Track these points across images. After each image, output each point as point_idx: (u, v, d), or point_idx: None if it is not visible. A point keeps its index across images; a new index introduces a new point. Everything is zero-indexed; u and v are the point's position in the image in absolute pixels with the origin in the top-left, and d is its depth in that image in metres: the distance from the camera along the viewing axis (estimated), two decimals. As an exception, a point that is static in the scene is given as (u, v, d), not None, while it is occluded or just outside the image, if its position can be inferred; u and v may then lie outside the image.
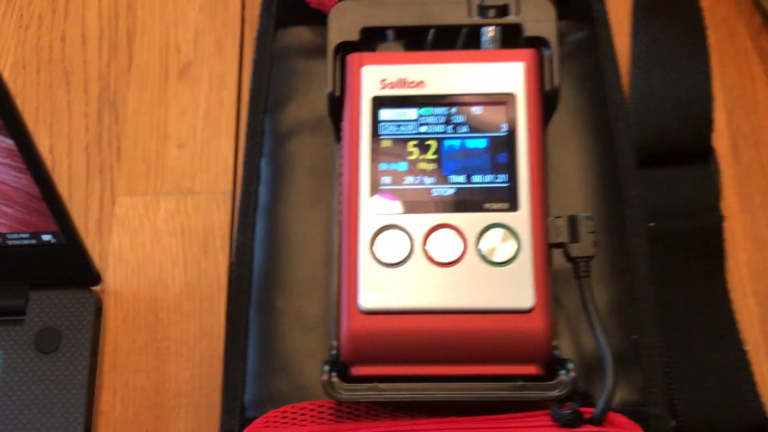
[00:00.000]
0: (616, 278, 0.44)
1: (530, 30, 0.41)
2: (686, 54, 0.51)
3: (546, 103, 0.40)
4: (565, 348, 0.42)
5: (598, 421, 0.35)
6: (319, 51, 0.51)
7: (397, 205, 0.38)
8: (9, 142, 0.39)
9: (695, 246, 0.47)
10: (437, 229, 0.37)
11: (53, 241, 0.44)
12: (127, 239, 0.50)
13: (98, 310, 0.47)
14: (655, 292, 0.43)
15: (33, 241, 0.44)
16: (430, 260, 0.37)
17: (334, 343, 0.39)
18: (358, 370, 0.37)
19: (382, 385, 0.36)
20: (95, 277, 0.47)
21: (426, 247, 0.37)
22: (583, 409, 0.36)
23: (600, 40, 0.50)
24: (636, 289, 0.43)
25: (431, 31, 0.45)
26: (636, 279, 0.44)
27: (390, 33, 0.43)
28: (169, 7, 0.57)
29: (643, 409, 0.41)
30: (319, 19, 0.51)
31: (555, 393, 0.36)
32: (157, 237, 0.50)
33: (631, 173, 0.46)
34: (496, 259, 0.36)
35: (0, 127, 0.38)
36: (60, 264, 0.46)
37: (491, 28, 0.42)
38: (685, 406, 0.43)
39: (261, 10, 0.52)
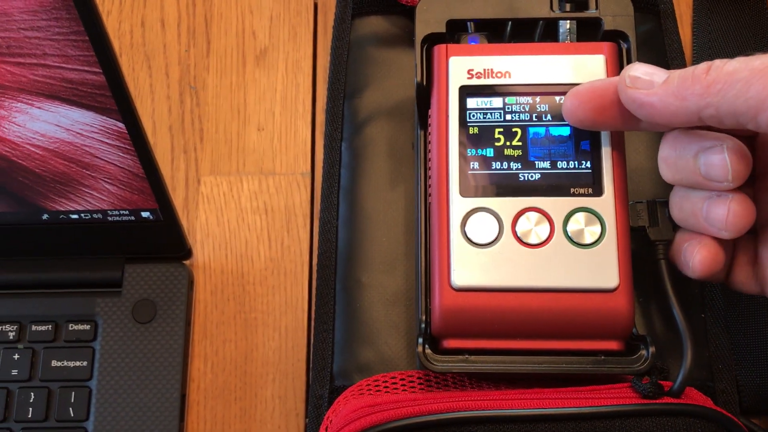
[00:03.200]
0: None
1: (609, 24, 0.43)
2: (749, 44, 0.52)
3: (624, 93, 0.42)
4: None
5: (677, 393, 0.37)
6: (395, 40, 0.53)
7: (486, 189, 0.40)
8: (120, 125, 0.42)
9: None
10: (525, 212, 0.40)
11: (151, 217, 0.47)
12: (213, 216, 0.53)
13: (190, 282, 0.50)
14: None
15: (132, 218, 0.47)
16: (518, 241, 0.39)
17: (422, 317, 0.41)
18: (449, 343, 0.40)
19: (473, 358, 0.39)
20: (187, 252, 0.50)
21: (515, 229, 0.39)
22: (661, 383, 0.38)
23: (666, 31, 0.52)
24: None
25: (509, 23, 0.47)
26: (703, 260, 0.46)
27: (470, 25, 0.46)
28: (244, -7, 0.60)
29: (710, 384, 0.44)
30: (394, 8, 0.54)
31: (636, 367, 0.38)
32: (242, 214, 0.53)
33: (697, 160, 0.48)
34: (583, 241, 0.39)
35: (113, 111, 0.41)
36: (155, 239, 0.49)
37: (568, 21, 0.44)
38: (746, 383, 0.46)
39: (338, -1, 0.55)
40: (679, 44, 0.52)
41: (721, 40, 0.52)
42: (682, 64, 0.51)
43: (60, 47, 0.37)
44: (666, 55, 0.51)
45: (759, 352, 0.46)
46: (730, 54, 0.52)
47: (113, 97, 0.40)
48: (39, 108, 0.41)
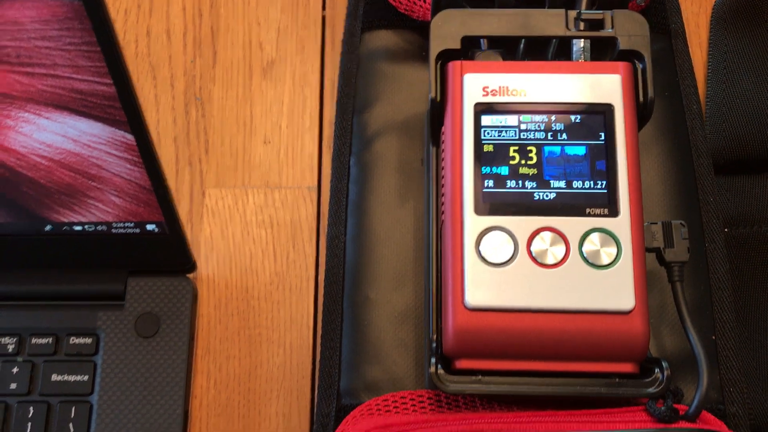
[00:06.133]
0: (695, 281, 0.46)
1: (625, 44, 0.43)
2: (763, 65, 0.52)
3: (639, 114, 0.42)
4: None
5: (692, 417, 0.37)
6: (405, 55, 0.53)
7: (501, 208, 0.40)
8: (128, 137, 0.41)
9: (768, 251, 0.49)
10: (540, 231, 0.39)
11: (156, 230, 0.46)
12: (217, 229, 0.52)
13: (194, 297, 0.49)
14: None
15: (137, 230, 0.47)
16: (534, 261, 0.39)
17: (434, 336, 0.41)
18: (461, 363, 0.39)
19: (486, 378, 0.39)
20: (192, 265, 0.49)
21: (530, 248, 0.39)
22: (676, 406, 0.38)
23: (677, 51, 0.52)
24: (714, 292, 0.45)
25: (522, 41, 0.46)
26: (714, 282, 0.46)
27: (483, 42, 0.45)
28: (251, 6, 0.59)
29: (720, 407, 0.43)
30: (404, 23, 0.53)
31: (651, 390, 0.38)
32: (247, 228, 0.52)
33: (708, 180, 0.48)
34: (599, 262, 0.38)
35: (122, 123, 0.40)
36: (159, 252, 0.48)
37: (583, 40, 0.44)
38: (757, 406, 0.45)
39: (347, 12, 0.54)
40: (690, 64, 0.52)
41: (737, 60, 0.52)
42: (692, 84, 0.51)
43: (71, 57, 0.37)
44: (677, 75, 0.51)
45: (770, 375, 0.46)
46: (745, 77, 0.52)
47: (123, 108, 0.39)
48: (47, 118, 0.40)
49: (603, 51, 0.45)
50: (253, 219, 0.52)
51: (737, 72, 0.52)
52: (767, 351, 0.47)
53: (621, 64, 0.42)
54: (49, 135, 0.41)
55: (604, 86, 0.41)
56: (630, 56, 0.43)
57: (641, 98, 0.42)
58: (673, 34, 0.52)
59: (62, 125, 0.40)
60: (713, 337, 0.45)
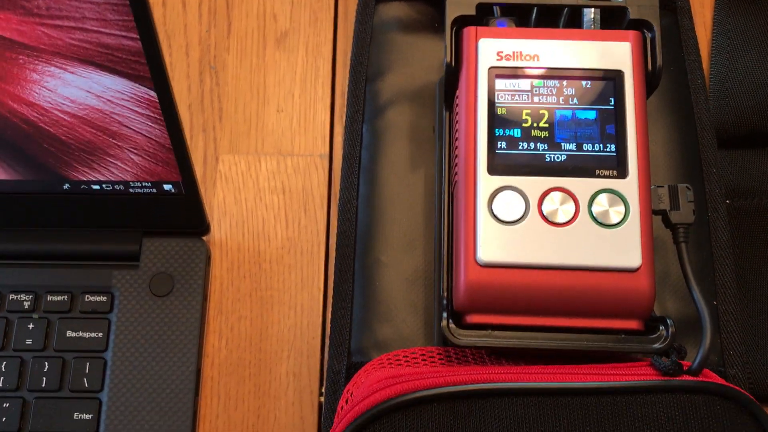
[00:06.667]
0: (697, 249, 0.47)
1: (634, 13, 0.44)
2: (767, 43, 0.53)
3: (647, 81, 0.43)
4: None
5: (696, 372, 0.38)
6: (418, 26, 0.54)
7: (513, 168, 0.41)
8: (151, 94, 0.42)
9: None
10: (551, 191, 0.40)
11: (173, 191, 0.47)
12: (230, 194, 0.53)
13: (208, 258, 0.50)
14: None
15: (153, 190, 0.47)
16: (544, 219, 0.40)
17: (445, 294, 0.42)
18: (472, 318, 0.40)
19: (496, 333, 0.40)
20: (206, 228, 0.50)
21: (541, 208, 0.40)
22: (679, 362, 0.39)
23: (682, 27, 0.53)
24: (716, 260, 0.47)
25: (535, 10, 0.48)
26: (716, 250, 0.47)
27: (497, 9, 0.47)
28: (265, -23, 0.60)
29: (721, 369, 0.45)
30: (418, -6, 0.55)
31: (657, 345, 0.39)
32: (260, 194, 0.53)
33: (712, 152, 0.49)
34: (607, 221, 0.39)
35: (145, 79, 0.41)
36: (175, 213, 0.49)
37: (593, 9, 0.45)
38: (756, 370, 0.46)
39: (362, -16, 0.55)
40: (695, 40, 0.53)
41: (740, 38, 0.54)
42: (697, 60, 0.52)
43: (100, 11, 0.38)
44: (682, 51, 0.52)
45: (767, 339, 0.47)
46: (749, 54, 0.54)
47: (148, 64, 0.40)
48: (72, 73, 0.41)
49: (613, 21, 0.46)
50: (265, 185, 0.53)
51: (741, 50, 0.53)
52: (766, 318, 0.48)
53: (631, 33, 0.43)
54: (74, 90, 0.41)
55: (615, 53, 0.42)
56: (639, 25, 0.44)
57: (650, 66, 0.43)
58: (679, 11, 0.53)
59: (87, 80, 0.41)
60: (714, 303, 0.46)
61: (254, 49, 0.58)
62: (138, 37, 0.39)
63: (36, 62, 0.40)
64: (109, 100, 0.42)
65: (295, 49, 0.58)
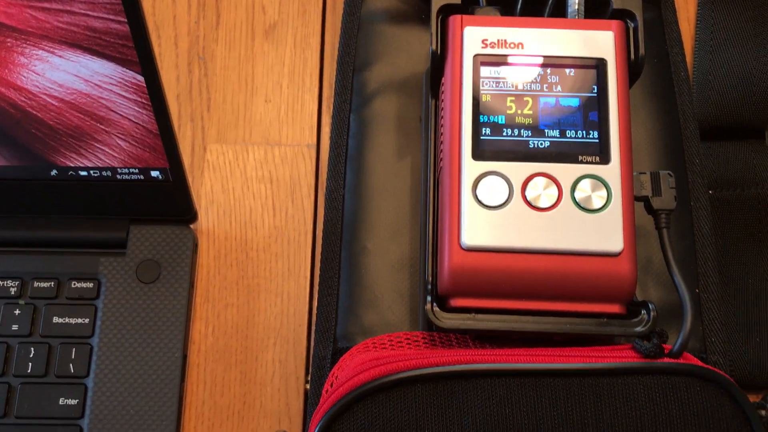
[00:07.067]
0: (680, 238, 0.48)
1: (618, 3, 0.45)
2: (749, 38, 0.54)
3: (630, 70, 0.44)
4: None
5: (676, 354, 0.38)
6: (405, 17, 0.55)
7: (498, 154, 0.41)
8: (139, 78, 0.42)
9: (749, 213, 0.51)
10: (534, 176, 0.41)
11: (161, 177, 0.48)
12: (218, 183, 0.53)
13: (195, 245, 0.51)
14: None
15: (141, 177, 0.48)
16: (528, 204, 0.40)
17: (429, 279, 0.42)
18: (456, 302, 0.40)
19: (480, 316, 0.40)
20: (193, 215, 0.50)
21: (524, 193, 0.40)
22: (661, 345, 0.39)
23: (666, 21, 0.54)
24: (698, 249, 0.47)
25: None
26: (698, 239, 0.47)
27: None
28: (254, -30, 0.60)
29: (703, 356, 0.45)
30: (405, -14, 0.55)
31: (638, 329, 0.39)
32: (247, 183, 0.53)
33: (694, 143, 0.50)
34: (590, 206, 0.40)
35: (132, 63, 0.42)
36: (162, 201, 0.49)
37: None
38: (737, 359, 0.47)
39: (350, -24, 0.56)
40: (678, 34, 0.53)
41: (723, 32, 0.54)
42: (681, 54, 0.53)
43: (87, -7, 0.38)
44: (666, 44, 0.53)
45: (749, 328, 0.48)
46: (731, 49, 0.54)
47: (135, 48, 0.40)
48: (60, 56, 0.41)
49: (596, 11, 0.46)
50: (253, 174, 0.54)
51: (724, 44, 0.54)
52: (747, 307, 0.48)
53: (614, 22, 0.44)
54: (62, 74, 0.42)
55: (598, 42, 0.43)
56: (622, 15, 0.45)
57: (632, 56, 0.44)
58: (662, 5, 0.54)
59: (75, 64, 0.41)
60: (696, 290, 0.46)
61: (243, 40, 0.58)
62: (125, 20, 0.39)
63: (24, 45, 0.40)
64: (96, 85, 0.42)
65: (284, 41, 0.58)
